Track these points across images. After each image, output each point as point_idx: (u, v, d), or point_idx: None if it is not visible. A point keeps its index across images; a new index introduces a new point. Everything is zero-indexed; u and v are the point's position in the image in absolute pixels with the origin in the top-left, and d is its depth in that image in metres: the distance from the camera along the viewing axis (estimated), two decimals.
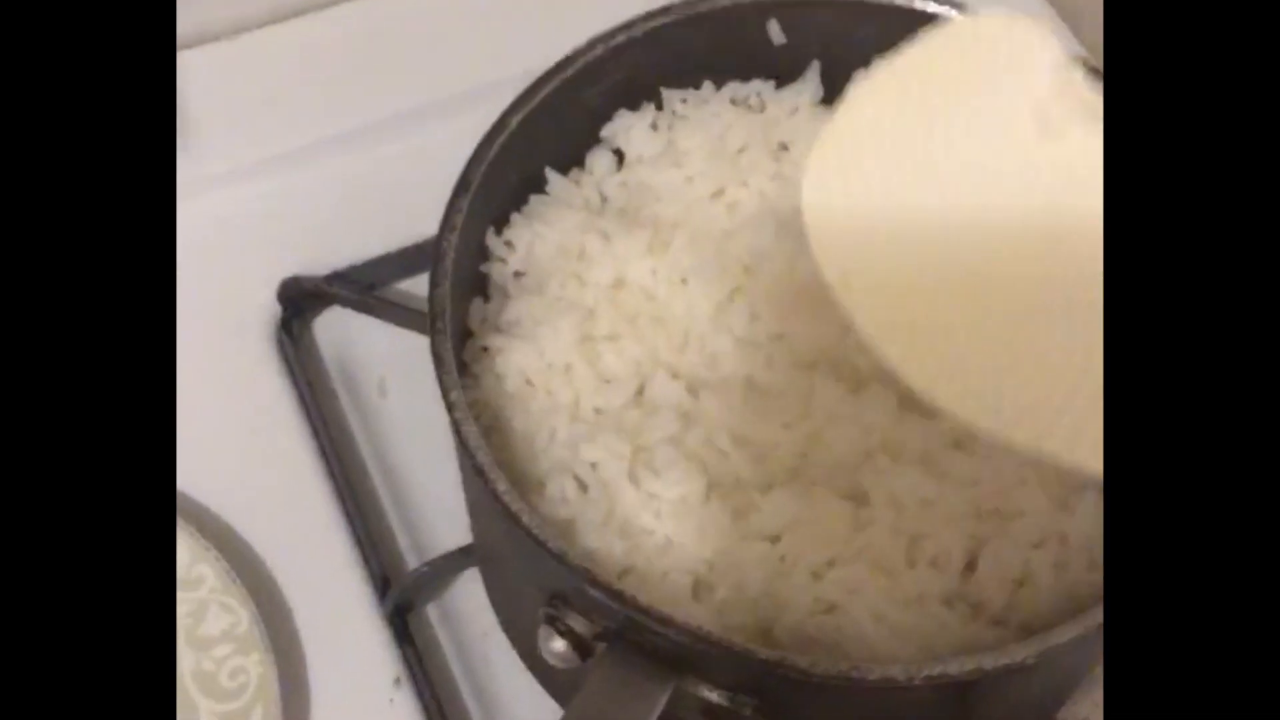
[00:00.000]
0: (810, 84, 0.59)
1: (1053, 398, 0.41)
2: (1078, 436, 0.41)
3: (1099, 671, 0.63)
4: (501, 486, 0.48)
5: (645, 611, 0.45)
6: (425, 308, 0.51)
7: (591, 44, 0.56)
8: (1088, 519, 0.50)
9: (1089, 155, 0.45)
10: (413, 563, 0.65)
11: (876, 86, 0.47)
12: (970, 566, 0.50)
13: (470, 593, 0.65)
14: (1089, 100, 0.47)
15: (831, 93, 0.59)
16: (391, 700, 0.62)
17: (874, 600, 0.49)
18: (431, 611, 0.66)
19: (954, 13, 0.57)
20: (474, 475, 0.49)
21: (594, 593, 0.46)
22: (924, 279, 0.44)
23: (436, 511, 0.67)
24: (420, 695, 0.62)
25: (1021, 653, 0.45)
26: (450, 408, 0.49)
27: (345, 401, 0.70)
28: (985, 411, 0.42)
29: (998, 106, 0.47)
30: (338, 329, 0.72)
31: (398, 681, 0.62)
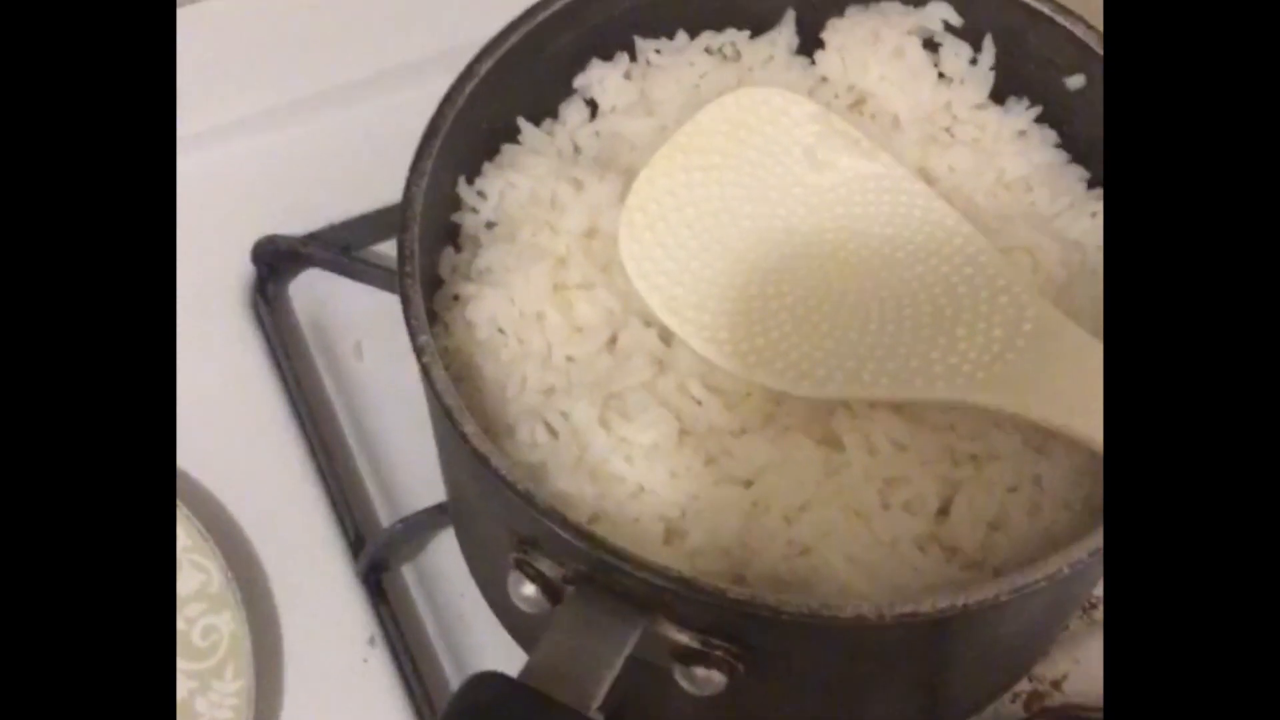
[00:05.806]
0: (785, 32, 0.58)
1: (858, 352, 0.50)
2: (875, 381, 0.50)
3: (1077, 629, 0.63)
4: (469, 429, 0.47)
5: (613, 551, 0.44)
6: None
7: None
8: (1062, 462, 0.49)
9: (861, 174, 0.54)
10: (388, 523, 0.64)
11: (663, 160, 0.54)
12: (944, 510, 0.49)
13: (446, 555, 0.65)
14: (849, 133, 0.54)
15: (807, 41, 0.59)
16: (366, 660, 0.61)
17: (847, 543, 0.48)
18: (408, 573, 0.65)
19: None
20: (442, 419, 0.48)
21: (563, 534, 0.45)
22: (736, 293, 0.52)
23: (412, 473, 0.66)
24: (395, 655, 0.62)
25: (994, 589, 0.44)
26: (419, 352, 0.48)
27: (321, 364, 0.70)
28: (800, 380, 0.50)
29: (771, 154, 0.54)
30: (314, 291, 0.71)
31: (372, 641, 0.62)
